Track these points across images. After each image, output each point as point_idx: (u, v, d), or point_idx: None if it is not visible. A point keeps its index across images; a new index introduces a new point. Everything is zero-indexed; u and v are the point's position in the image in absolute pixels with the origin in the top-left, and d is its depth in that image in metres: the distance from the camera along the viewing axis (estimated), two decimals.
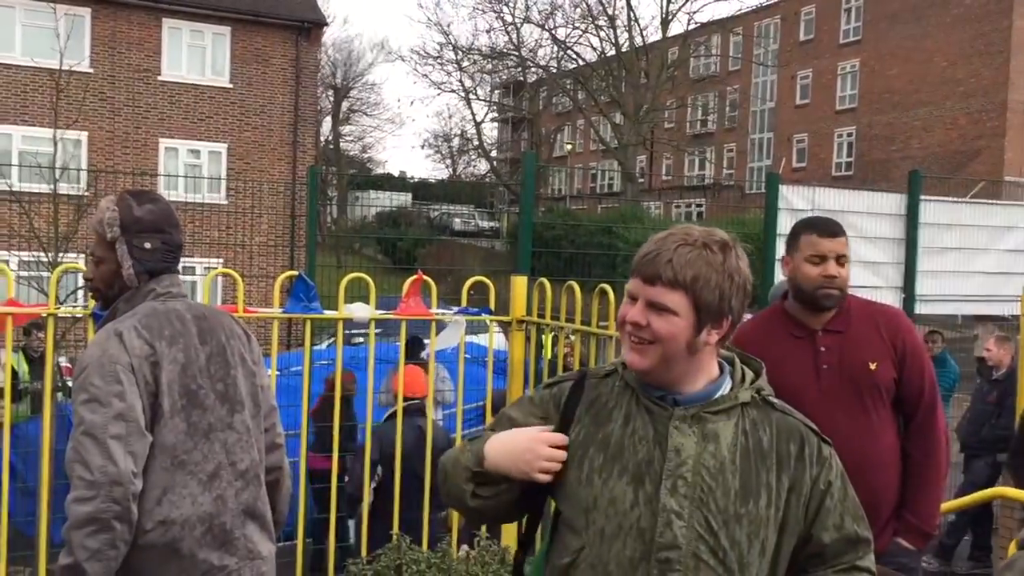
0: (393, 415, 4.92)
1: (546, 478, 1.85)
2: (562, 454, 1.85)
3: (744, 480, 1.78)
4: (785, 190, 6.30)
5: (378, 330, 4.31)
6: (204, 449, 2.51)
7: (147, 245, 2.56)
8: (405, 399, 4.94)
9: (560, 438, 1.87)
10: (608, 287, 3.98)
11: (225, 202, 20.94)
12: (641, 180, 42.71)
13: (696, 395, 1.83)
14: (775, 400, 1.90)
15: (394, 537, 3.97)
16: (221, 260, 19.78)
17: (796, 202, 6.28)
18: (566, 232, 18.80)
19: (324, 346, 9.39)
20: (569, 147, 50.63)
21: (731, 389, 1.86)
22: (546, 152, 43.82)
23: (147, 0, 21.32)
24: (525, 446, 1.86)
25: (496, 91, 46.01)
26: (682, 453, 1.77)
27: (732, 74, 45.38)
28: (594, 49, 37.55)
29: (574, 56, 38.26)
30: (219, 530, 2.51)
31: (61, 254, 6.57)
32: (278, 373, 6.17)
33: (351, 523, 5.71)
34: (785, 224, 5.89)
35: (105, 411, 2.35)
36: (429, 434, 4.50)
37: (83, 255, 5.05)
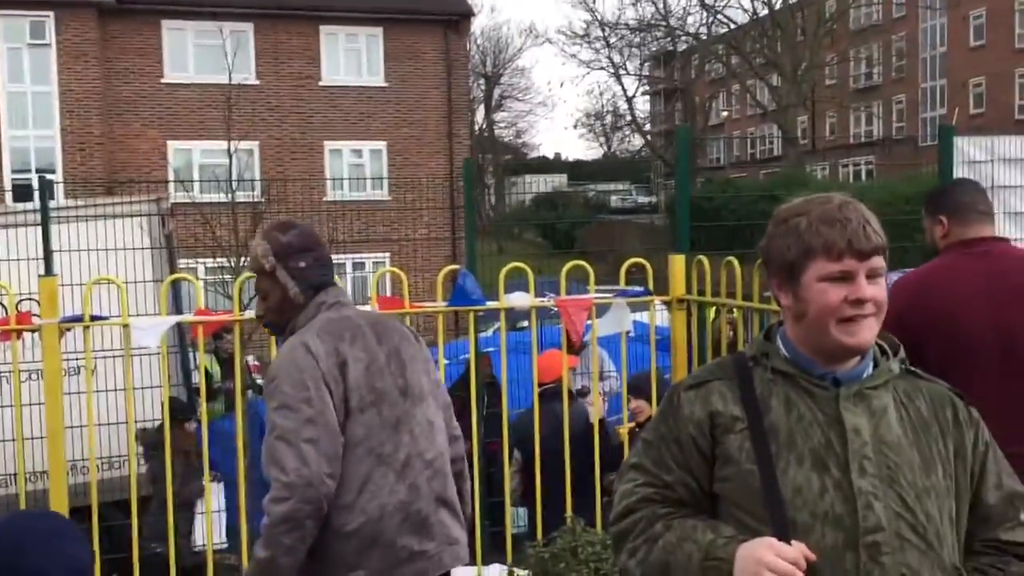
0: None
1: None
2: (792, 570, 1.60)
3: (920, 452, 1.74)
4: (961, 141, 5.88)
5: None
6: (395, 440, 2.64)
7: (302, 264, 2.72)
8: (543, 384, 4.92)
9: (791, 551, 1.62)
10: None
11: (388, 198, 21.64)
12: (804, 142, 41.18)
13: (853, 372, 1.77)
14: (916, 369, 1.85)
15: (568, 520, 3.99)
16: (388, 254, 20.48)
17: (974, 153, 5.86)
18: (726, 202, 18.37)
19: (490, 332, 9.55)
20: (725, 114, 49.31)
21: (873, 362, 1.80)
22: (702, 121, 42.85)
23: (305, 9, 22.24)
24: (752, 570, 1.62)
25: (646, 64, 45.34)
26: (861, 433, 1.72)
27: (897, 21, 42.84)
28: (745, 11, 36.43)
29: (725, 20, 37.27)
30: (416, 516, 2.63)
31: (243, 259, 6.95)
32: (447, 361, 6.32)
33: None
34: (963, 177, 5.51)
35: (296, 416, 2.50)
36: (566, 419, 4.49)
37: None
